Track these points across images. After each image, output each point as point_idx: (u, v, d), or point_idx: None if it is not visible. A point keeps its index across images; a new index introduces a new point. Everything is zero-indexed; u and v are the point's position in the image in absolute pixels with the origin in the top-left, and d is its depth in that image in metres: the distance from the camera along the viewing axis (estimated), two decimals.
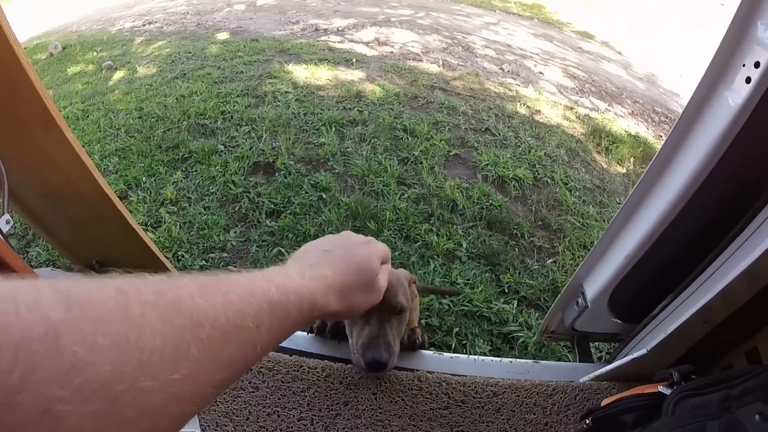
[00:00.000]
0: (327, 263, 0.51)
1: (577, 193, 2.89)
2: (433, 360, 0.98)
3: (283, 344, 0.95)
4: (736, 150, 0.76)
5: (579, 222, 2.60)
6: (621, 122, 4.12)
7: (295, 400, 0.87)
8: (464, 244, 2.32)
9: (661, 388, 0.70)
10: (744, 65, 0.70)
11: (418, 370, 0.93)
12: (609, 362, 1.04)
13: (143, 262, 1.86)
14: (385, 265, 0.63)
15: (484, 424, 0.86)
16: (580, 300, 1.06)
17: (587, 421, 0.77)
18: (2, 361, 0.20)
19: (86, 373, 0.23)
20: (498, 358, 1.03)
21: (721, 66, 0.73)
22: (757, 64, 0.67)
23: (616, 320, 1.10)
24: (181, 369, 0.28)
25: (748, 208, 0.78)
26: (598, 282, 1.01)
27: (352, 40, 5.36)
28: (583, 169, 3.20)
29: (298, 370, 0.91)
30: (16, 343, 0.21)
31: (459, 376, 0.94)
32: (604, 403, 0.78)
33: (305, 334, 1.00)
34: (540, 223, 2.59)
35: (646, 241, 0.89)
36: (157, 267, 1.88)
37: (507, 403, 0.89)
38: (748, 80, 0.69)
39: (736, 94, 0.71)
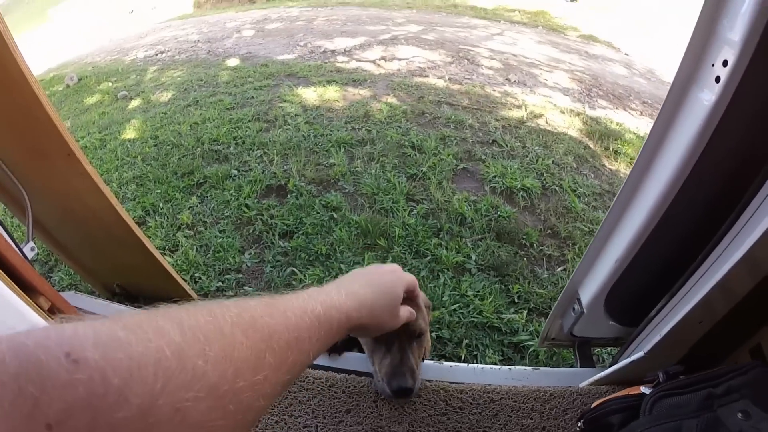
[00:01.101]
0: (359, 286, 0.60)
1: (586, 199, 2.90)
2: (432, 369, 1.01)
3: None
4: (716, 146, 0.77)
5: (588, 228, 2.60)
6: (629, 124, 4.11)
7: (301, 409, 0.91)
8: (473, 257, 2.34)
9: (643, 389, 0.72)
10: (713, 65, 0.71)
11: None
12: (609, 367, 1.05)
13: (162, 284, 1.93)
14: (413, 295, 0.76)
15: (481, 429, 0.88)
16: (576, 306, 1.07)
17: (580, 424, 0.79)
18: (148, 376, 0.28)
19: (203, 380, 0.31)
20: (497, 366, 1.05)
21: (691, 66, 0.75)
22: (725, 63, 0.68)
23: (615, 324, 1.11)
24: (262, 372, 0.36)
25: (736, 201, 0.78)
26: (592, 287, 1.02)
27: (359, 60, 5.49)
28: (592, 175, 3.20)
29: (303, 381, 0.95)
30: (155, 362, 0.28)
31: (458, 383, 0.96)
32: (594, 405, 0.80)
33: None
34: (549, 231, 2.60)
35: (634, 244, 0.91)
36: (175, 289, 1.95)
37: (504, 409, 0.92)
38: (717, 79, 0.70)
39: (708, 94, 0.72)
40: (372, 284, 0.62)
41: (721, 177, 0.84)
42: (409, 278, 0.73)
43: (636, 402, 0.72)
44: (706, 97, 0.73)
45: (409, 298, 0.76)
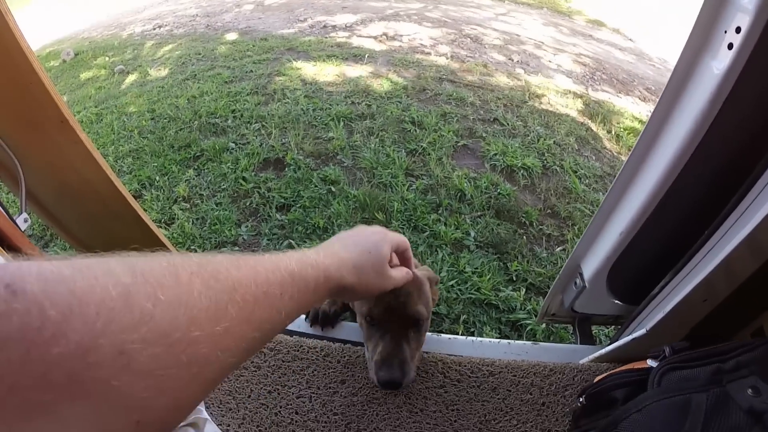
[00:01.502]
0: (339, 246, 0.59)
1: (587, 180, 2.87)
2: (430, 340, 0.99)
3: None
4: (726, 118, 0.74)
5: (588, 209, 2.58)
6: (632, 109, 4.05)
7: (295, 379, 0.89)
8: (472, 233, 2.32)
9: (649, 362, 0.71)
10: (726, 32, 0.69)
11: None
12: (610, 344, 1.04)
13: None
14: (405, 256, 0.74)
15: (479, 403, 0.87)
16: (578, 280, 1.06)
17: (581, 399, 0.78)
18: (89, 314, 0.26)
19: (150, 324, 0.29)
20: (496, 340, 1.04)
21: (702, 34, 0.72)
22: (738, 30, 0.66)
23: (616, 301, 1.09)
24: (222, 323, 0.34)
25: (743, 179, 0.76)
26: (594, 261, 1.00)
27: (360, 36, 5.37)
28: (593, 157, 3.17)
29: (298, 350, 0.93)
30: (97, 301, 0.27)
31: (456, 356, 0.95)
32: (596, 380, 0.78)
33: (305, 317, 1.03)
34: (549, 211, 2.57)
35: (639, 216, 0.89)
36: None
37: (503, 383, 0.90)
38: (730, 46, 0.68)
39: (720, 61, 0.70)
40: (354, 244, 0.61)
41: (729, 151, 0.82)
42: (397, 237, 0.70)
43: (640, 377, 0.70)
44: (718, 64, 0.71)
45: (402, 261, 0.74)
